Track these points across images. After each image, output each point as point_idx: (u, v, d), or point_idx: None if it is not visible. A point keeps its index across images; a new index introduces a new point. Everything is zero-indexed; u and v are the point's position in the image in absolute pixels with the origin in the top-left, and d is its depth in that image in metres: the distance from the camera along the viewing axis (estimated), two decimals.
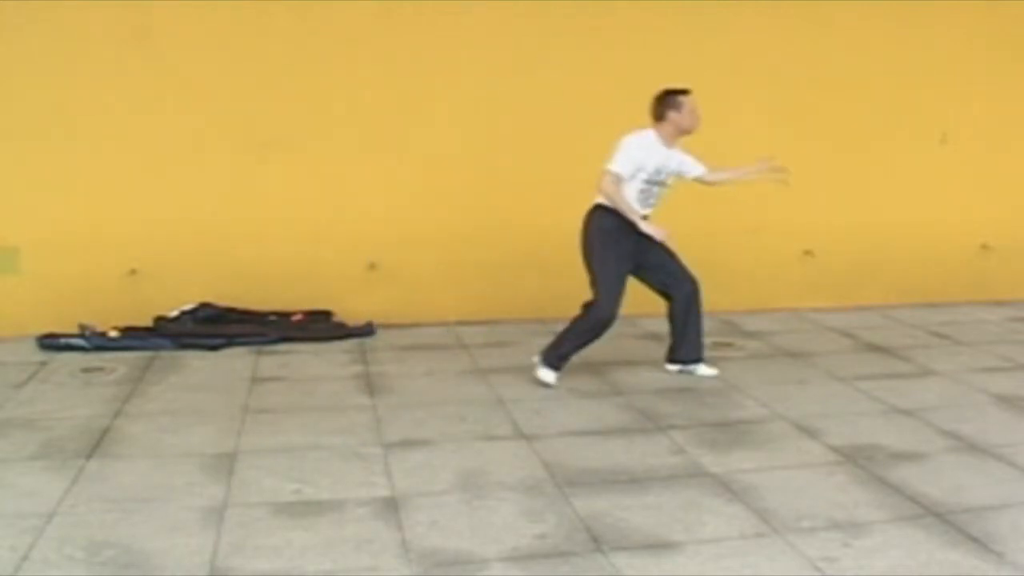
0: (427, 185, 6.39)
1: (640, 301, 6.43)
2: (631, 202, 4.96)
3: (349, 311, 6.35)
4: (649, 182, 5.01)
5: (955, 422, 4.62)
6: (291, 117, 6.13)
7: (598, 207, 5.02)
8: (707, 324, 5.93)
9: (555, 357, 5.13)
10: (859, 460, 4.13)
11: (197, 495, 3.68)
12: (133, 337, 5.85)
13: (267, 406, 4.78)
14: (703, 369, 5.36)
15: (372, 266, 6.41)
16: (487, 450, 4.22)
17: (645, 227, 4.95)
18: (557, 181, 6.33)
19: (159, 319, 5.99)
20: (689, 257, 5.27)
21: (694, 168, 5.22)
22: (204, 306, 6.10)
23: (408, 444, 4.26)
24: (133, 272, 6.06)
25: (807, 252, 7.13)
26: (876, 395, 5.07)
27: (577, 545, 3.31)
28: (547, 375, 5.13)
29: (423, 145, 6.32)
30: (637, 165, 4.92)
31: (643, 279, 5.23)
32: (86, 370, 5.33)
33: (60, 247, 5.91)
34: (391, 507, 3.59)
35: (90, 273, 5.95)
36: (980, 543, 3.35)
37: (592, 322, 5.02)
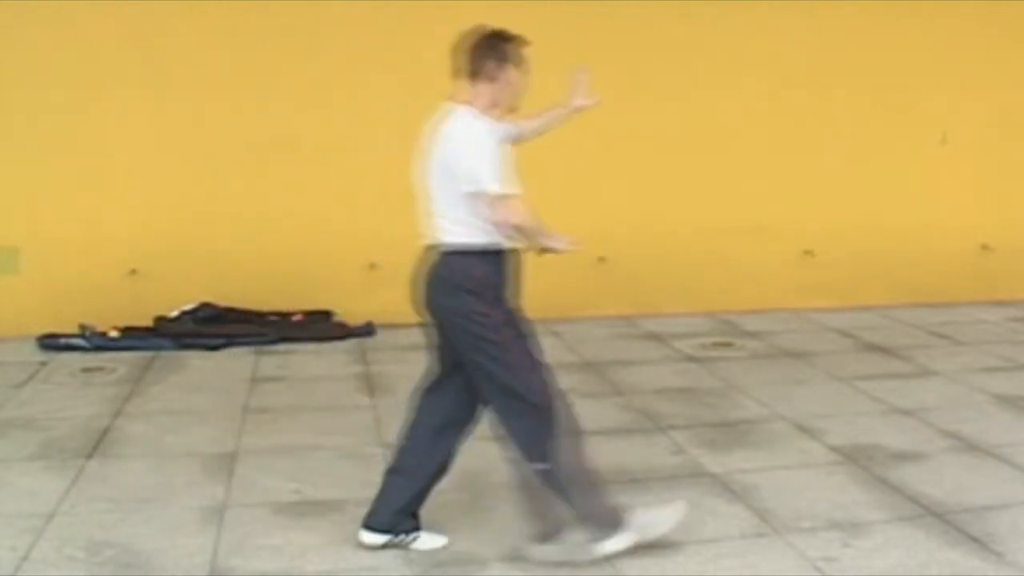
0: None
1: (640, 301, 6.45)
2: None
3: (349, 311, 6.34)
4: None
5: (955, 422, 4.62)
6: (291, 117, 6.13)
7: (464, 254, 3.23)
8: (707, 324, 5.92)
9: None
10: (859, 460, 4.12)
11: (197, 495, 3.68)
12: (133, 337, 5.85)
13: (267, 406, 4.78)
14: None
15: (372, 266, 6.40)
16: (487, 450, 4.21)
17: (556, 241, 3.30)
18: (558, 180, 6.32)
19: (159, 319, 5.99)
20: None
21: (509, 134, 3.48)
22: (204, 306, 6.10)
23: None
24: (133, 272, 6.06)
25: (807, 252, 7.12)
26: (876, 395, 5.06)
27: None
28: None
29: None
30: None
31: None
32: (86, 370, 5.33)
33: (60, 247, 5.91)
34: None
35: (90, 273, 5.95)
36: (980, 543, 3.34)
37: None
